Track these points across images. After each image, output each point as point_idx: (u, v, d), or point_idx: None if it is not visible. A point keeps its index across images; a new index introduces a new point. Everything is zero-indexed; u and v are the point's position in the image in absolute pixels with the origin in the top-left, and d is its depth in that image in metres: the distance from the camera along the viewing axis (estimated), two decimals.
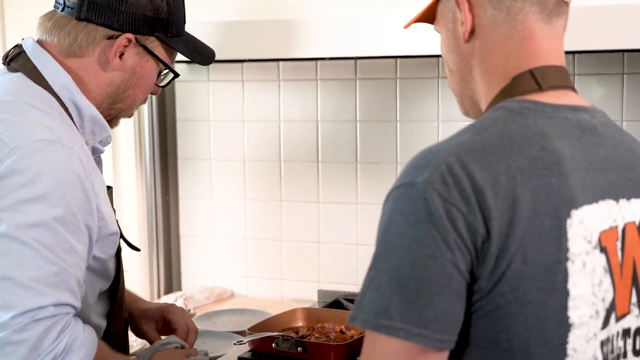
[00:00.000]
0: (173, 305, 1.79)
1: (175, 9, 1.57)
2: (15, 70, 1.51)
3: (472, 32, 1.19)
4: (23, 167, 1.34)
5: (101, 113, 1.55)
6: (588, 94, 2.32)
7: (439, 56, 1.65)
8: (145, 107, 2.78)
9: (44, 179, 1.34)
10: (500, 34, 1.17)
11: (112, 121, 1.62)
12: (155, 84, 1.63)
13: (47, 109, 1.45)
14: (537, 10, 1.16)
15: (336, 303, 2.47)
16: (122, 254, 1.64)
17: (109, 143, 1.61)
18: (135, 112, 2.74)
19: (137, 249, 1.73)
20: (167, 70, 1.63)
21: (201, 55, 1.67)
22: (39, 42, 1.54)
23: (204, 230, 2.83)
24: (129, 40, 1.52)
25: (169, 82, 1.67)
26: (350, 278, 2.64)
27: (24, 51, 1.52)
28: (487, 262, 1.02)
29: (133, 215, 2.74)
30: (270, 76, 2.67)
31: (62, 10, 1.52)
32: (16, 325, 1.29)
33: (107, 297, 1.59)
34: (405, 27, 1.41)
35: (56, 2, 1.54)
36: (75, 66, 1.52)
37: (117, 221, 1.57)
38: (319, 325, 2.07)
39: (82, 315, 1.47)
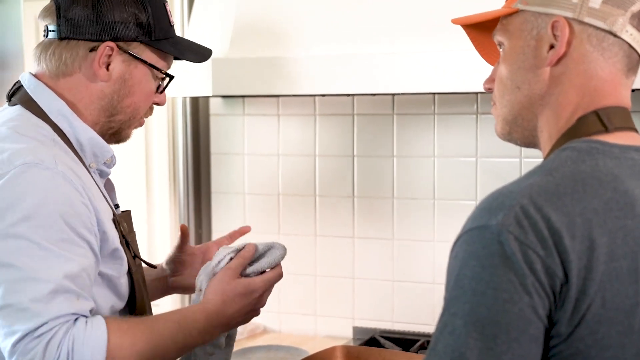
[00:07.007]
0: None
1: (154, 13, 1.58)
2: (15, 104, 1.55)
3: (558, 59, 1.17)
4: (6, 194, 1.38)
5: (101, 129, 1.57)
6: None
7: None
8: (180, 140, 2.78)
9: (28, 200, 1.38)
10: (585, 71, 1.16)
11: (119, 134, 1.62)
12: (157, 92, 1.63)
13: (36, 135, 1.47)
14: (624, 62, 1.17)
15: (372, 340, 2.43)
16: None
17: (114, 164, 1.62)
18: (170, 145, 2.81)
19: (154, 267, 1.75)
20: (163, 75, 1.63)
21: (194, 53, 1.67)
22: (34, 74, 1.58)
23: None
24: (112, 49, 1.54)
25: (166, 86, 1.65)
26: (385, 315, 2.62)
27: (23, 85, 1.56)
28: (566, 305, 1.01)
29: (166, 248, 2.73)
30: (307, 111, 2.67)
31: (47, 35, 1.57)
32: (22, 348, 1.35)
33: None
34: (455, 22, 1.33)
35: (43, 30, 1.59)
36: (67, 86, 1.55)
37: (126, 242, 1.57)
38: None
39: None
